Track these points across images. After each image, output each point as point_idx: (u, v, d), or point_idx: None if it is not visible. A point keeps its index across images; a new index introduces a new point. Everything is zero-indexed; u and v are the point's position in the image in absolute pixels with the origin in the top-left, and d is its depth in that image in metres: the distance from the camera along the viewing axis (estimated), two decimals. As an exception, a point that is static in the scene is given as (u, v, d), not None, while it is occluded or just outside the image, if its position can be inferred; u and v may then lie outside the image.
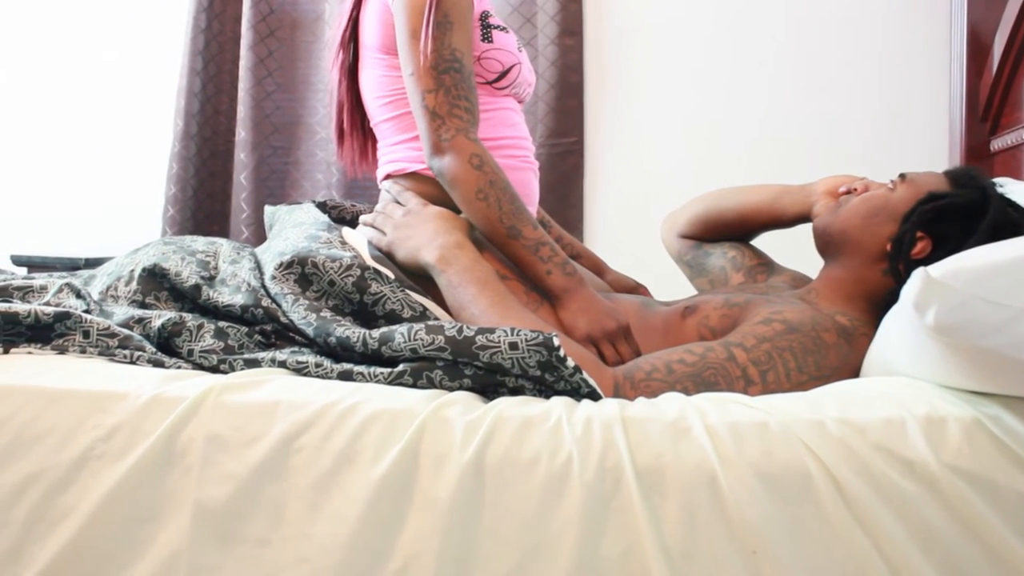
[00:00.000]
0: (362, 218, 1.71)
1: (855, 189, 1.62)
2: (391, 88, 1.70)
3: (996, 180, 1.57)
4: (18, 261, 3.21)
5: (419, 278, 1.57)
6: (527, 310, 1.48)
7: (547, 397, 1.28)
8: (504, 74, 1.72)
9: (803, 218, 1.77)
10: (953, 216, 1.48)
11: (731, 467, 1.09)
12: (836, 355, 1.43)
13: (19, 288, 1.53)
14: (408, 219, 1.60)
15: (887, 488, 1.09)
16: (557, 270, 1.56)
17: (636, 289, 1.98)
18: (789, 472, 1.10)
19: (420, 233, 1.57)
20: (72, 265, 3.14)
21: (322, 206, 1.84)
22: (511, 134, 1.76)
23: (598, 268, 2.02)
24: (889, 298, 1.42)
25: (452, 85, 1.57)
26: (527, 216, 1.57)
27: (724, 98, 3.09)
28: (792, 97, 3.06)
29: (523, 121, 1.82)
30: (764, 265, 1.86)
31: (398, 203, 1.66)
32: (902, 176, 1.58)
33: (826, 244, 1.61)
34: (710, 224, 1.92)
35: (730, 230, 1.90)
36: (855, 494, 1.08)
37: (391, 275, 1.53)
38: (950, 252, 1.30)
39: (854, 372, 1.44)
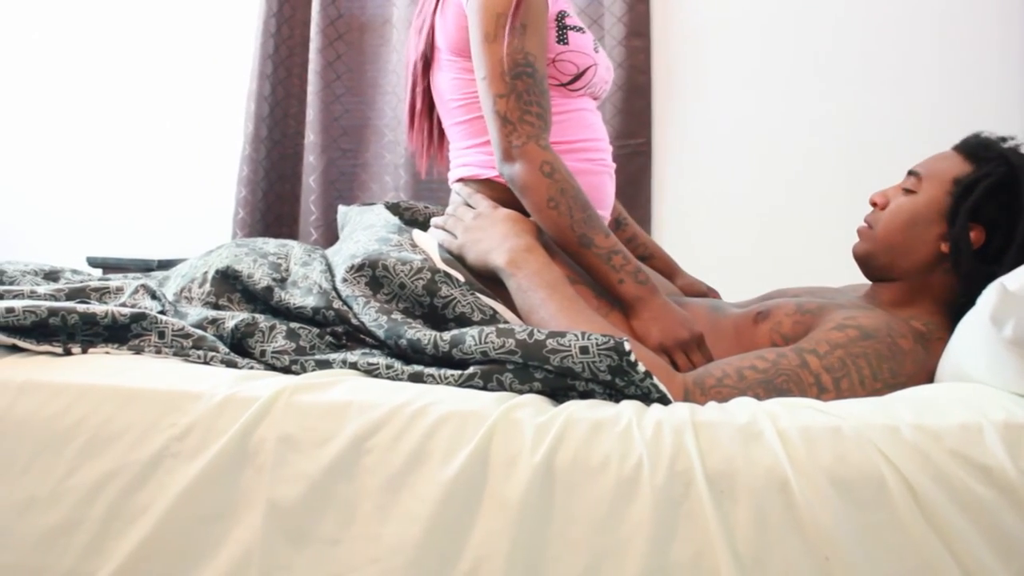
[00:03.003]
0: (433, 220, 1.71)
1: (876, 204, 1.59)
2: (464, 91, 1.70)
3: (1003, 136, 1.56)
4: (93, 263, 3.27)
5: (489, 281, 1.57)
6: (597, 314, 1.48)
7: (617, 402, 1.27)
8: (579, 76, 1.71)
9: None
10: (992, 198, 1.48)
11: (803, 472, 1.08)
12: (912, 361, 1.41)
13: (96, 289, 1.55)
14: (478, 222, 1.61)
15: (963, 494, 1.07)
16: (629, 279, 1.55)
17: (707, 295, 1.96)
18: (863, 477, 1.08)
19: (490, 236, 1.57)
20: (145, 267, 3.18)
21: (395, 208, 1.84)
22: (587, 136, 1.74)
23: (670, 270, 2.00)
24: (961, 299, 1.41)
25: (524, 90, 1.57)
26: (599, 224, 1.57)
27: (792, 98, 3.06)
28: (860, 96, 3.01)
29: (599, 120, 1.80)
30: None
31: (469, 206, 1.67)
32: (914, 174, 1.56)
33: (876, 268, 1.59)
34: None
35: None
36: (930, 500, 1.06)
37: (461, 278, 1.53)
38: (1006, 230, 1.44)
39: (931, 376, 1.42)
